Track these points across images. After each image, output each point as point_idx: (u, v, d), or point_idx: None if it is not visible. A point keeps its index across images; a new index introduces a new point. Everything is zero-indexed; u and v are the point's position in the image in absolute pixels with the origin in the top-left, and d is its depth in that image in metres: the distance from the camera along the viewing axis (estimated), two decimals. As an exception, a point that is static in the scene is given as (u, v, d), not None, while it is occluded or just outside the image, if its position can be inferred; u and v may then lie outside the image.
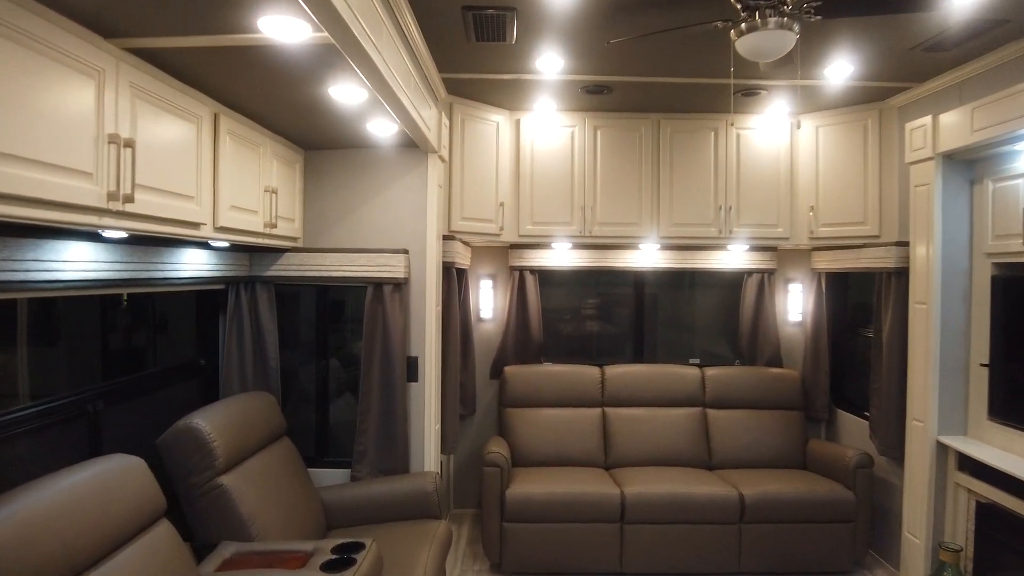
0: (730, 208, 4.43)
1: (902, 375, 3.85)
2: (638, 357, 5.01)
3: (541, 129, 4.42)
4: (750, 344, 4.90)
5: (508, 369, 4.69)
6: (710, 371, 4.76)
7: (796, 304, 4.95)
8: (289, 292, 3.77)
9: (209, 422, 2.72)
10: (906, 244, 3.82)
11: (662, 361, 4.98)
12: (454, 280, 3.90)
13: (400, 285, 3.43)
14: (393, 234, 3.53)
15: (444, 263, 3.82)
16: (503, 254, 4.85)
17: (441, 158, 3.65)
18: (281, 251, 3.43)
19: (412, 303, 3.52)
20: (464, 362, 4.65)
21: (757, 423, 4.64)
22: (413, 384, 3.52)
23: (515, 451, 4.47)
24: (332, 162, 3.57)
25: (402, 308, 3.43)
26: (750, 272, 4.85)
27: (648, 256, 4.75)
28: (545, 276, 4.99)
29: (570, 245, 4.64)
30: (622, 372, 4.71)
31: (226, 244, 2.88)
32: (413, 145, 3.43)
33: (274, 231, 3.04)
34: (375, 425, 3.47)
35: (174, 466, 2.67)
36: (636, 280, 5.02)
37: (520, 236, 4.43)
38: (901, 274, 3.88)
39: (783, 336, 4.91)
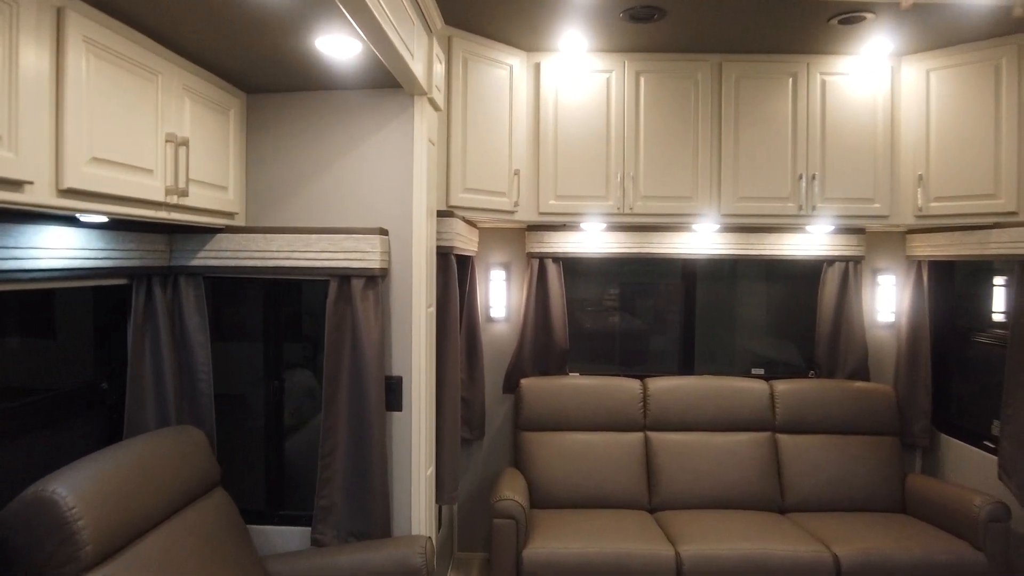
0: (813, 177, 3.42)
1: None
2: (688, 367, 4.02)
3: (568, 75, 3.43)
4: (829, 351, 3.90)
5: (525, 382, 3.73)
6: (781, 385, 3.77)
7: (887, 301, 3.93)
8: (233, 288, 2.83)
9: (75, 488, 1.79)
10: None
11: (718, 371, 3.99)
12: (453, 271, 2.93)
13: (375, 278, 2.47)
14: (368, 209, 2.57)
15: (440, 248, 2.86)
16: (519, 238, 3.87)
17: (434, 104, 2.68)
18: (211, 231, 2.48)
19: (394, 303, 2.56)
20: (470, 373, 3.70)
21: (842, 452, 3.65)
22: (396, 414, 2.57)
23: (534, 488, 3.52)
24: (285, 110, 2.61)
25: (378, 310, 2.47)
26: (831, 260, 3.84)
27: (703, 240, 3.75)
28: (571, 265, 4.00)
29: (604, 226, 3.65)
30: (669, 386, 3.73)
31: (103, 219, 1.93)
32: (394, 84, 2.47)
33: (185, 201, 2.09)
34: (344, 471, 2.53)
35: (17, 558, 1.74)
36: (685, 270, 4.02)
37: (540, 214, 3.45)
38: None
39: (871, 341, 3.90)
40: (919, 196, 3.37)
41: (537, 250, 3.75)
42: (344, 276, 2.46)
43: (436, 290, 2.80)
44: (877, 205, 3.45)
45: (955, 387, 3.85)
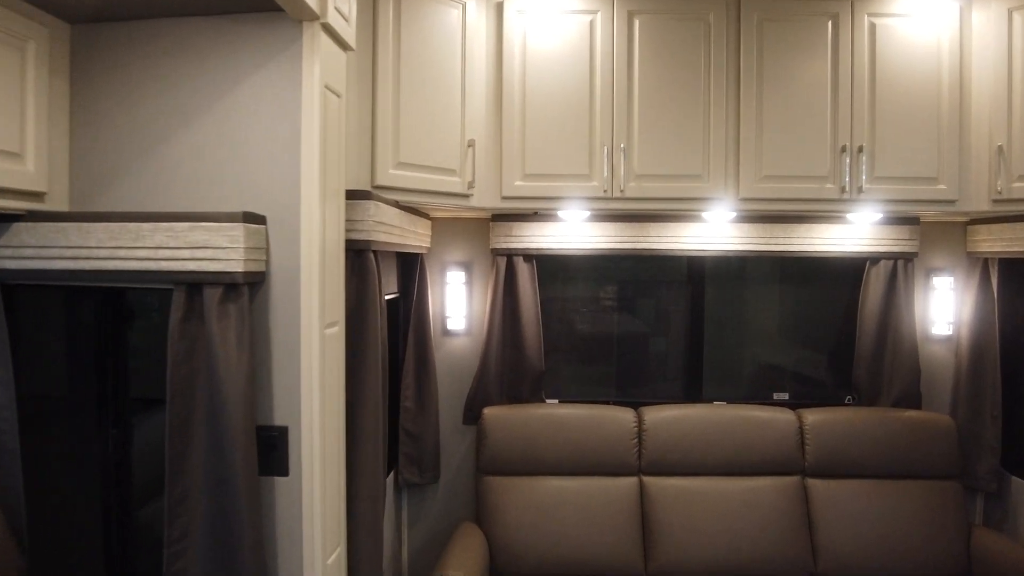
0: (859, 150, 2.63)
1: None
2: (694, 390, 3.23)
3: (540, 17, 2.63)
4: (872, 371, 3.11)
5: (490, 412, 2.95)
6: (812, 415, 2.99)
7: (943, 309, 3.15)
8: (48, 300, 2.04)
9: None
10: None
11: (731, 397, 3.21)
12: (373, 274, 2.13)
13: (238, 286, 1.68)
14: (239, 186, 1.79)
15: (352, 243, 2.07)
16: (483, 230, 3.09)
17: (335, 36, 1.88)
18: (3, 220, 1.71)
19: (275, 322, 1.78)
20: (419, 400, 2.93)
21: (891, 501, 2.87)
22: (279, 480, 1.79)
23: (497, 552, 2.75)
24: (123, 46, 1.83)
25: (244, 332, 1.69)
26: (875, 258, 3.05)
27: (715, 232, 2.96)
28: (548, 265, 3.22)
29: (587, 214, 2.86)
30: (671, 417, 2.95)
31: None
32: (273, 7, 1.68)
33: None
34: (202, 563, 1.75)
35: None
36: (692, 270, 3.23)
37: (504, 199, 2.67)
38: None
39: (923, 359, 3.11)
40: (998, 173, 2.58)
41: (504, 245, 2.97)
42: (193, 284, 1.67)
43: (347, 301, 2.02)
44: (942, 187, 2.66)
45: (1031, 418, 3.06)
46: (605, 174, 2.62)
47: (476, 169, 2.57)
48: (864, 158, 2.63)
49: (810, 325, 3.33)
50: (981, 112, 2.63)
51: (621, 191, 2.62)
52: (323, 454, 1.83)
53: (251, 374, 1.70)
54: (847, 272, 3.24)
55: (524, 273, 2.99)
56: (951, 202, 2.67)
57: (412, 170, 2.38)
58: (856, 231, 3.00)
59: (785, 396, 3.24)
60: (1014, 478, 2.96)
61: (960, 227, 3.15)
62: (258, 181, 1.78)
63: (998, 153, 2.57)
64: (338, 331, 1.92)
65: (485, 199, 2.65)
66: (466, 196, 2.58)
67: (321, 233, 1.79)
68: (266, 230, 1.76)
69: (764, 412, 2.99)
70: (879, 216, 2.84)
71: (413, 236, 2.63)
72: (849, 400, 3.20)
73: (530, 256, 2.99)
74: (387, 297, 2.68)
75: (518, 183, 2.65)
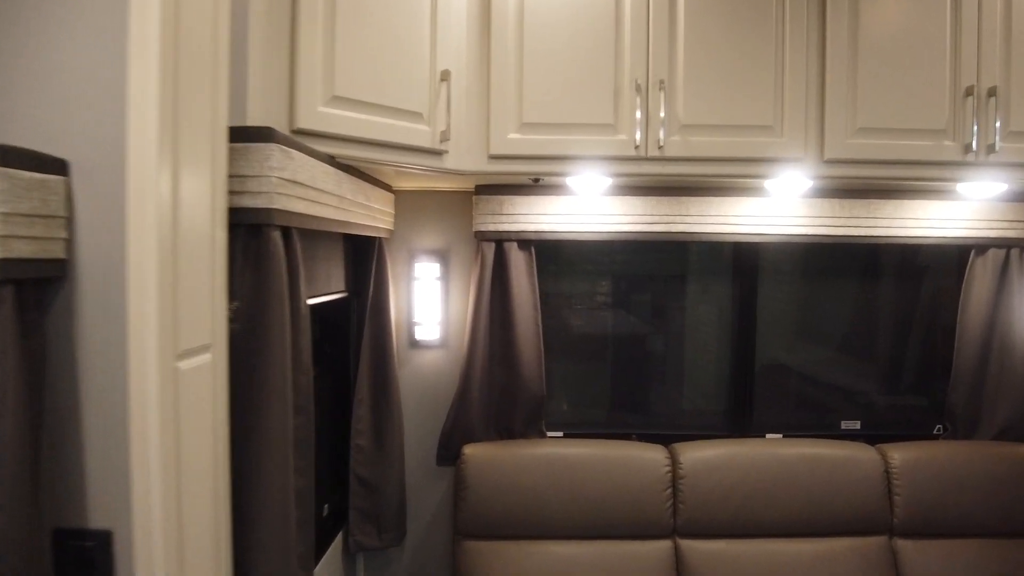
0: (990, 94, 1.88)
1: None
2: (742, 419, 2.47)
3: (544, -102, 1.86)
4: (972, 393, 2.38)
5: (472, 452, 2.19)
6: (899, 452, 2.25)
7: (1062, 311, 2.42)
8: None
9: None
10: None
11: (786, 426, 2.46)
12: (278, 263, 1.31)
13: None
14: (31, 117, 1.00)
15: (244, 212, 1.27)
16: (464, 207, 2.30)
17: None
18: None
19: (84, 349, 0.99)
20: (376, 436, 2.17)
21: (1007, 569, 2.14)
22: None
23: (483, 653, 1.99)
24: None
25: (5, 371, 0.90)
26: (983, 245, 2.31)
27: (778, 211, 2.20)
28: (551, 254, 2.45)
29: (610, 183, 2.08)
30: (716, 457, 2.20)
31: None
32: None
33: None
34: None
35: None
36: (739, 262, 2.46)
37: (492, 159, 1.89)
38: None
39: (1037, 377, 2.38)
40: None
41: (492, 227, 2.19)
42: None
43: (230, 308, 1.23)
44: (1099, 145, 1.92)
45: None
46: (637, 124, 1.84)
47: (453, 114, 1.79)
48: (996, 104, 1.88)
49: (888, 332, 2.58)
50: None
51: (660, 148, 1.85)
52: (180, 568, 1.05)
53: (33, 442, 0.92)
54: (941, 264, 2.50)
55: (519, 265, 2.21)
56: (1109, 168, 1.93)
57: (355, 109, 1.59)
58: (961, 210, 2.25)
59: (856, 425, 2.49)
60: None
61: (1082, 206, 2.42)
62: (66, 108, 0.99)
63: None
64: (207, 362, 1.13)
65: (466, 159, 1.86)
66: (438, 153, 1.79)
67: (170, 196, 1.01)
68: (67, 187, 0.97)
69: (837, 449, 2.24)
70: (1004, 188, 2.09)
71: (364, 212, 1.85)
72: (940, 430, 2.47)
73: (527, 242, 2.21)
74: (330, 297, 1.90)
75: (512, 136, 1.87)
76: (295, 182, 1.34)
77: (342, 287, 2.06)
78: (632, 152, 1.84)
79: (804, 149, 1.86)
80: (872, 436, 2.40)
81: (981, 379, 2.37)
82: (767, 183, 2.02)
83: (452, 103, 1.78)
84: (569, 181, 2.03)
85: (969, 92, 1.86)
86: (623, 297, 2.55)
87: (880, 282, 2.57)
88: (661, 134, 1.83)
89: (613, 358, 2.56)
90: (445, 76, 1.77)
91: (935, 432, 2.47)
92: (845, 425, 2.48)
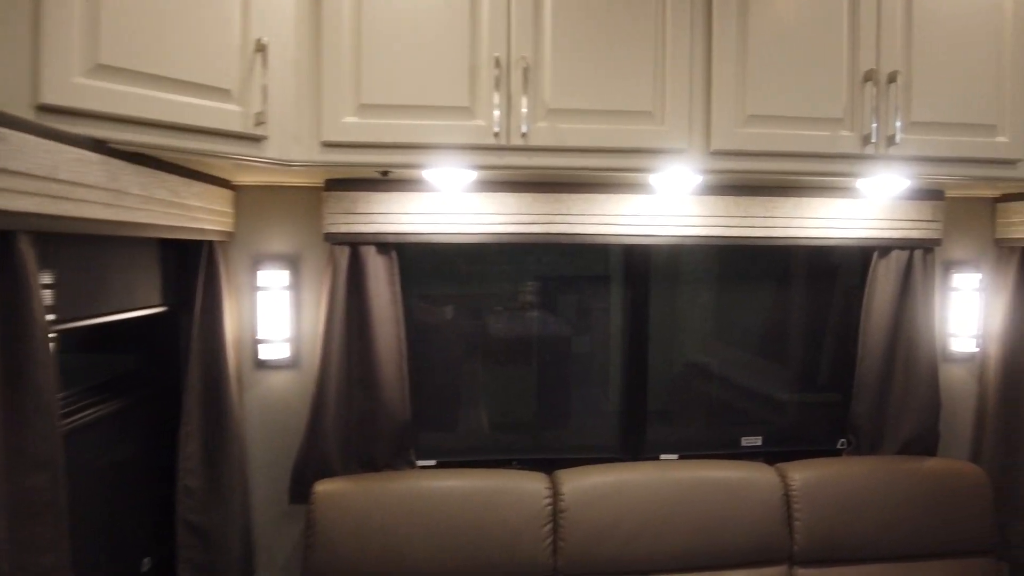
0: (891, 79, 1.70)
1: None
2: (635, 439, 2.24)
3: None
4: (876, 404, 2.22)
5: (325, 489, 1.88)
6: (799, 472, 2.07)
7: (965, 317, 2.30)
8: None
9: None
10: None
11: (683, 444, 2.25)
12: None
13: None
14: None
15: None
16: (314, 203, 1.98)
17: None
18: None
19: None
20: (211, 474, 1.84)
21: (912, 598, 2.00)
22: None
23: None
24: None
25: None
26: (886, 247, 2.16)
27: (667, 209, 1.98)
28: (416, 259, 2.16)
29: (473, 176, 1.80)
30: (602, 486, 1.96)
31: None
32: None
33: None
34: None
35: None
36: (631, 266, 2.22)
37: (325, 146, 1.58)
38: None
39: (942, 385, 2.25)
40: (1084, 122, 1.70)
41: (345, 228, 1.89)
42: None
43: None
44: (1002, 139, 1.77)
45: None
46: (497, 107, 1.57)
47: (273, 92, 1.47)
48: (897, 91, 1.70)
49: (794, 340, 2.41)
50: (1058, 28, 1.75)
51: (524, 136, 1.58)
52: None
53: None
54: (850, 266, 2.35)
55: (378, 272, 1.92)
56: (1012, 163, 1.79)
57: (131, 82, 1.26)
58: (863, 209, 2.09)
59: (757, 441, 2.31)
60: (1058, 546, 2.16)
61: (986, 205, 2.30)
62: None
63: (1086, 89, 1.70)
64: None
65: (293, 147, 1.55)
66: (255, 139, 1.48)
67: None
68: None
69: (735, 470, 2.05)
70: (907, 185, 1.92)
71: (174, 211, 1.51)
72: (844, 445, 2.31)
73: (387, 245, 1.92)
74: (136, 314, 1.56)
75: (349, 120, 1.57)
76: (12, 172, 1.01)
77: (157, 300, 1.72)
78: (492, 140, 1.57)
79: (688, 139, 1.64)
80: (774, 454, 2.22)
81: (885, 389, 2.22)
82: (651, 178, 1.79)
83: (272, 79, 1.47)
84: (424, 175, 1.74)
85: (868, 77, 1.68)
86: (502, 305, 2.29)
87: (788, 286, 2.40)
88: (524, 120, 1.57)
89: (496, 375, 2.30)
90: (260, 47, 1.45)
91: (839, 446, 2.32)
92: (746, 442, 2.30)
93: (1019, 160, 1.78)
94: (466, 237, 1.91)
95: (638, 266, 2.19)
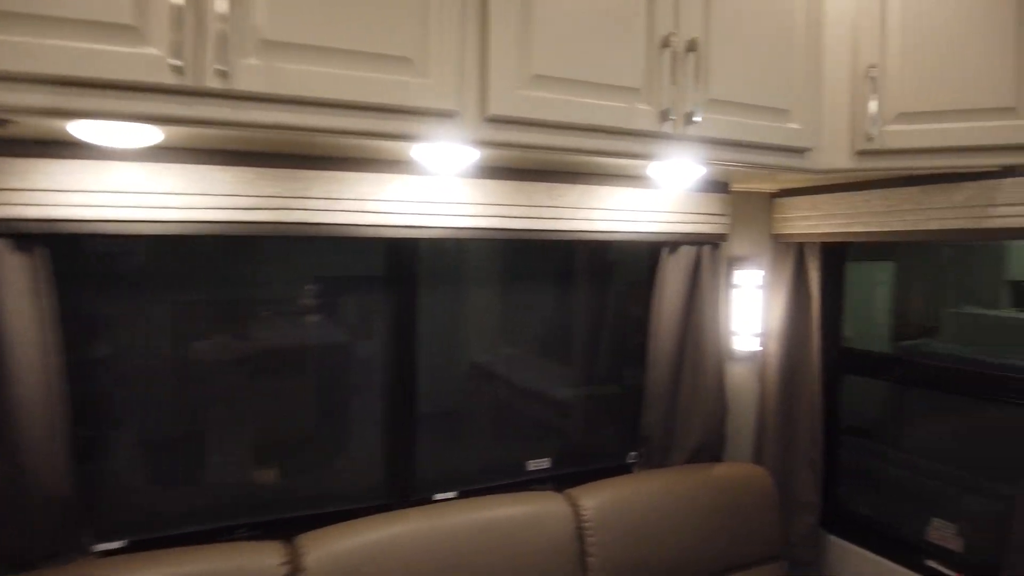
0: (690, 47, 1.46)
1: None
2: (403, 481, 1.82)
3: None
4: (666, 413, 2.05)
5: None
6: (590, 497, 1.81)
7: (748, 315, 2.22)
8: None
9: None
10: None
11: (461, 474, 1.89)
12: None
13: None
14: None
15: None
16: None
17: None
18: None
19: None
20: None
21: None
22: None
23: None
24: None
25: None
26: (675, 242, 1.97)
27: (440, 194, 1.58)
28: (92, 257, 1.54)
29: (157, 134, 1.24)
30: (357, 551, 1.50)
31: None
32: None
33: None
34: None
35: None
36: (393, 263, 1.80)
37: None
38: None
39: (727, 385, 2.15)
40: (871, 107, 1.61)
41: (-55, 208, 1.23)
42: None
43: None
44: (794, 126, 1.63)
45: (851, 457, 2.30)
46: (182, 28, 1.05)
47: None
48: (697, 62, 1.47)
49: (576, 342, 2.16)
50: (842, 16, 1.64)
51: (224, 75, 1.07)
52: None
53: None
54: (628, 263, 2.14)
55: (14, 279, 1.28)
56: (801, 152, 1.66)
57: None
58: (653, 200, 1.88)
59: (545, 463, 2.02)
60: (833, 539, 2.16)
61: (765, 200, 2.25)
62: None
63: (868, 78, 1.61)
64: None
65: None
66: None
67: None
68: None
69: (521, 505, 1.72)
70: (702, 172, 1.73)
71: None
72: (635, 457, 2.12)
73: (27, 238, 1.29)
74: None
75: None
76: None
77: None
78: (171, 78, 1.04)
79: (460, 99, 1.25)
80: (564, 476, 1.95)
81: (674, 396, 2.05)
82: (414, 151, 1.38)
83: None
84: (74, 131, 1.16)
85: (666, 43, 1.42)
86: (247, 316, 1.73)
87: (575, 282, 2.14)
88: (225, 50, 1.06)
89: (235, 405, 1.74)
90: None
91: (629, 459, 2.12)
92: (533, 465, 2.00)
93: (810, 149, 1.66)
94: (151, 227, 1.34)
95: (403, 266, 1.77)
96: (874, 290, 2.36)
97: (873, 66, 1.60)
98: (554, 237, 1.75)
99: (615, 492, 1.86)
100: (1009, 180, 1.57)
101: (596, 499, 1.82)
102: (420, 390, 1.81)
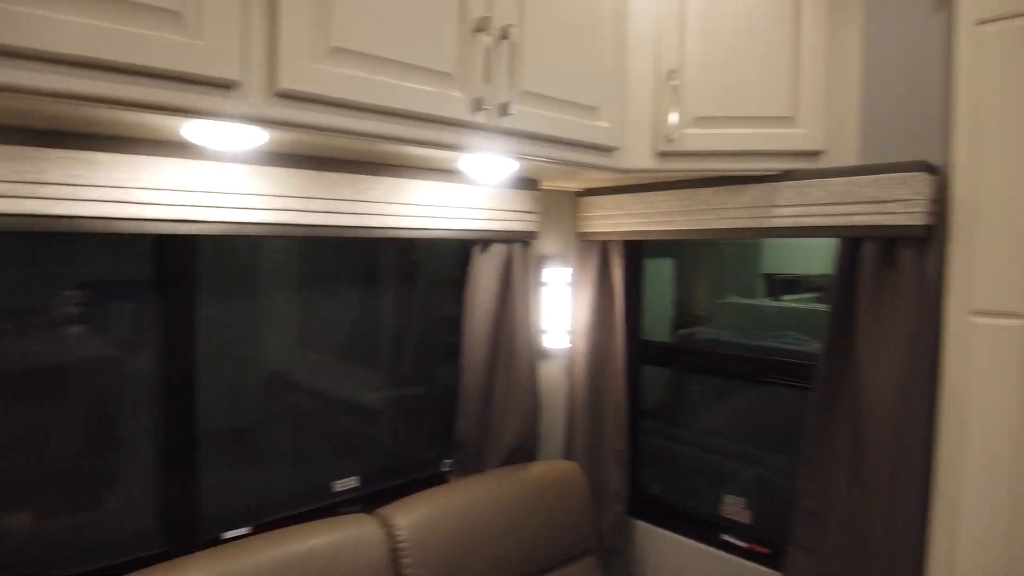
0: (504, 34, 1.38)
1: (908, 479, 1.51)
2: (185, 521, 1.54)
3: None
4: (481, 416, 1.98)
5: None
6: (403, 514, 1.67)
7: (557, 313, 2.23)
8: None
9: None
10: (918, 170, 1.46)
11: (259, 510, 1.66)
12: None
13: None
14: None
15: None
16: None
17: None
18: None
19: None
20: None
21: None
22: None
23: None
24: None
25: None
26: (486, 241, 1.90)
27: (221, 182, 1.35)
28: None
29: None
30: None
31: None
32: None
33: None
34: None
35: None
36: (165, 264, 1.52)
37: None
38: (907, 245, 1.50)
39: (541, 384, 2.13)
40: (671, 112, 1.66)
41: None
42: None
43: None
44: (603, 124, 1.63)
45: (651, 444, 2.41)
46: None
47: None
48: (511, 52, 1.39)
49: (383, 353, 2.00)
50: (644, 16, 1.68)
51: None
52: None
53: None
54: (437, 262, 2.04)
55: None
56: (608, 151, 1.67)
57: None
58: (465, 195, 1.79)
59: (354, 482, 1.85)
60: (639, 524, 2.25)
61: (570, 198, 2.27)
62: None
63: (670, 80, 1.66)
64: None
65: None
66: None
67: None
68: None
69: (328, 534, 1.54)
70: (516, 167, 1.67)
71: None
72: (450, 465, 2.02)
73: None
74: None
75: None
76: None
77: None
78: None
79: (243, 67, 1.04)
80: (375, 494, 1.80)
81: (488, 398, 1.99)
82: (185, 129, 1.15)
83: None
84: None
85: (481, 27, 1.33)
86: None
87: (380, 282, 1.98)
88: None
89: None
90: None
91: (444, 467, 2.02)
92: (341, 485, 1.82)
93: (617, 148, 1.67)
94: None
95: (177, 266, 1.50)
96: (663, 284, 2.51)
97: (674, 71, 1.66)
98: (359, 234, 1.59)
99: (429, 506, 1.74)
100: (787, 183, 1.70)
101: (409, 516, 1.69)
102: (205, 407, 1.54)
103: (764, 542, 2.00)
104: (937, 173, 1.51)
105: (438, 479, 1.93)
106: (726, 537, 2.06)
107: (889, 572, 1.55)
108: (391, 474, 1.93)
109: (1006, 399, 1.39)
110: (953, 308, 1.46)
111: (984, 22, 1.42)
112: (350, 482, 1.83)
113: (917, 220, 1.49)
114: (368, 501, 1.80)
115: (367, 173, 1.56)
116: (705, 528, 2.13)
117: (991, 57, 1.40)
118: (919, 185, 1.48)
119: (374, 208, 1.61)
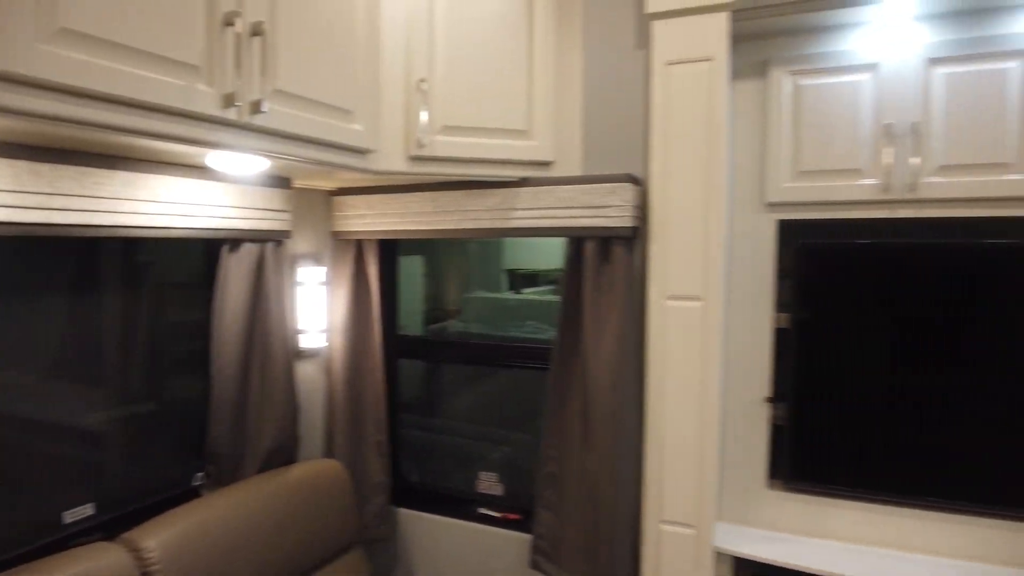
0: (255, 31, 1.36)
1: (626, 439, 1.84)
2: None
3: None
4: (235, 423, 1.90)
5: None
6: (152, 535, 1.56)
7: (313, 312, 2.22)
8: None
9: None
10: (625, 181, 1.79)
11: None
12: None
13: None
14: None
15: None
16: None
17: None
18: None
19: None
20: None
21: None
22: None
23: None
24: None
25: None
26: (236, 240, 1.83)
27: None
28: None
29: None
30: None
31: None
32: None
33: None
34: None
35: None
36: None
37: None
38: (619, 244, 1.82)
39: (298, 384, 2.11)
40: (417, 122, 1.77)
41: None
42: None
43: None
44: (357, 127, 1.68)
45: (407, 434, 2.50)
46: None
47: None
48: (263, 50, 1.38)
49: (111, 367, 1.81)
50: (395, 25, 1.76)
51: None
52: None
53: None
54: (176, 263, 1.91)
55: None
56: (362, 153, 1.73)
57: None
58: (213, 193, 1.71)
59: (89, 510, 1.65)
60: (402, 511, 2.34)
61: (325, 197, 2.27)
62: None
63: (420, 87, 1.77)
64: None
65: None
66: None
67: None
68: None
69: (59, 570, 1.38)
70: (267, 165, 1.63)
71: None
72: (200, 479, 1.91)
73: None
74: None
75: None
76: None
77: None
78: None
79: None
80: (117, 520, 1.64)
81: (243, 404, 1.92)
82: None
83: None
84: None
85: (229, 21, 1.30)
86: None
87: (102, 286, 1.79)
88: None
89: None
90: None
91: (196, 482, 1.90)
92: (71, 516, 1.62)
93: (371, 150, 1.73)
94: None
95: None
96: (414, 281, 2.63)
97: (423, 80, 1.76)
98: (85, 233, 1.43)
99: (182, 523, 1.64)
100: (525, 189, 1.92)
101: (159, 537, 1.57)
102: None
103: (516, 509, 2.22)
104: (640, 184, 1.83)
105: (191, 494, 1.82)
106: (482, 510, 2.25)
107: (614, 520, 1.84)
108: (134, 496, 1.77)
109: (692, 360, 1.75)
110: (653, 294, 1.79)
111: (672, 63, 1.75)
112: (85, 510, 1.63)
113: (625, 223, 1.79)
114: (109, 528, 1.64)
115: (99, 166, 1.42)
116: (463, 505, 2.30)
117: (676, 92, 1.74)
118: (626, 193, 1.78)
119: (104, 205, 1.47)
